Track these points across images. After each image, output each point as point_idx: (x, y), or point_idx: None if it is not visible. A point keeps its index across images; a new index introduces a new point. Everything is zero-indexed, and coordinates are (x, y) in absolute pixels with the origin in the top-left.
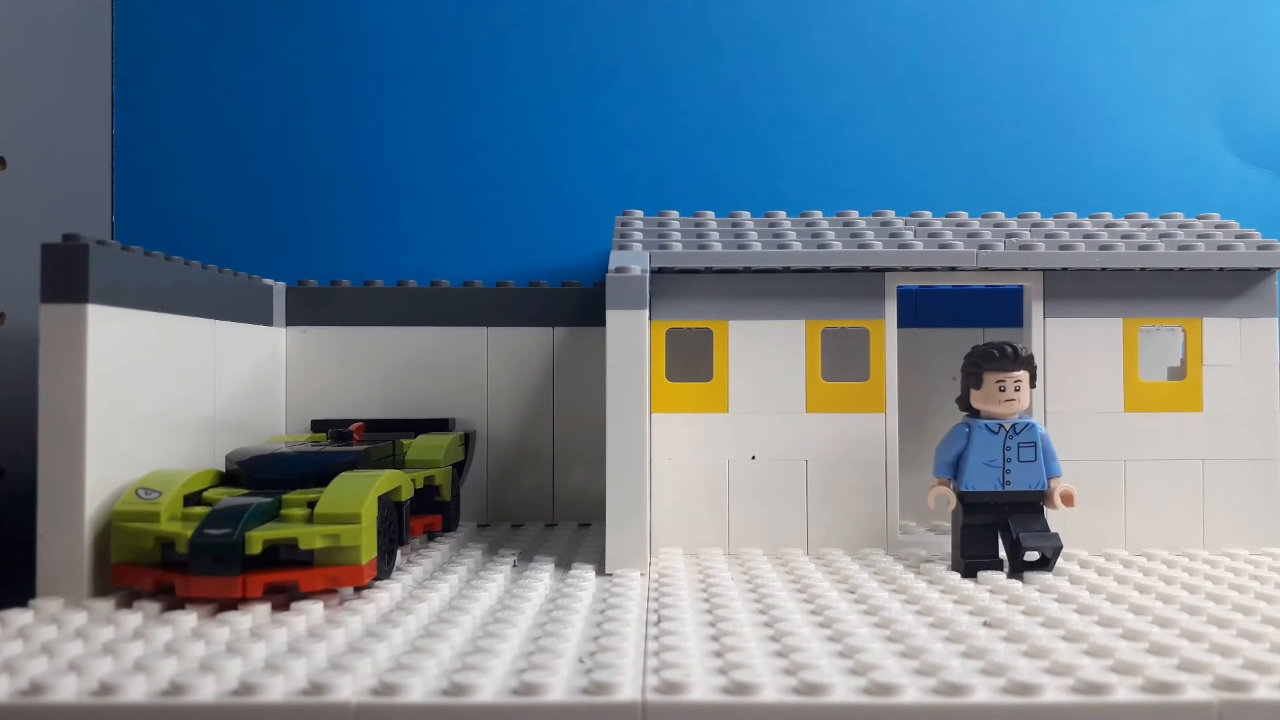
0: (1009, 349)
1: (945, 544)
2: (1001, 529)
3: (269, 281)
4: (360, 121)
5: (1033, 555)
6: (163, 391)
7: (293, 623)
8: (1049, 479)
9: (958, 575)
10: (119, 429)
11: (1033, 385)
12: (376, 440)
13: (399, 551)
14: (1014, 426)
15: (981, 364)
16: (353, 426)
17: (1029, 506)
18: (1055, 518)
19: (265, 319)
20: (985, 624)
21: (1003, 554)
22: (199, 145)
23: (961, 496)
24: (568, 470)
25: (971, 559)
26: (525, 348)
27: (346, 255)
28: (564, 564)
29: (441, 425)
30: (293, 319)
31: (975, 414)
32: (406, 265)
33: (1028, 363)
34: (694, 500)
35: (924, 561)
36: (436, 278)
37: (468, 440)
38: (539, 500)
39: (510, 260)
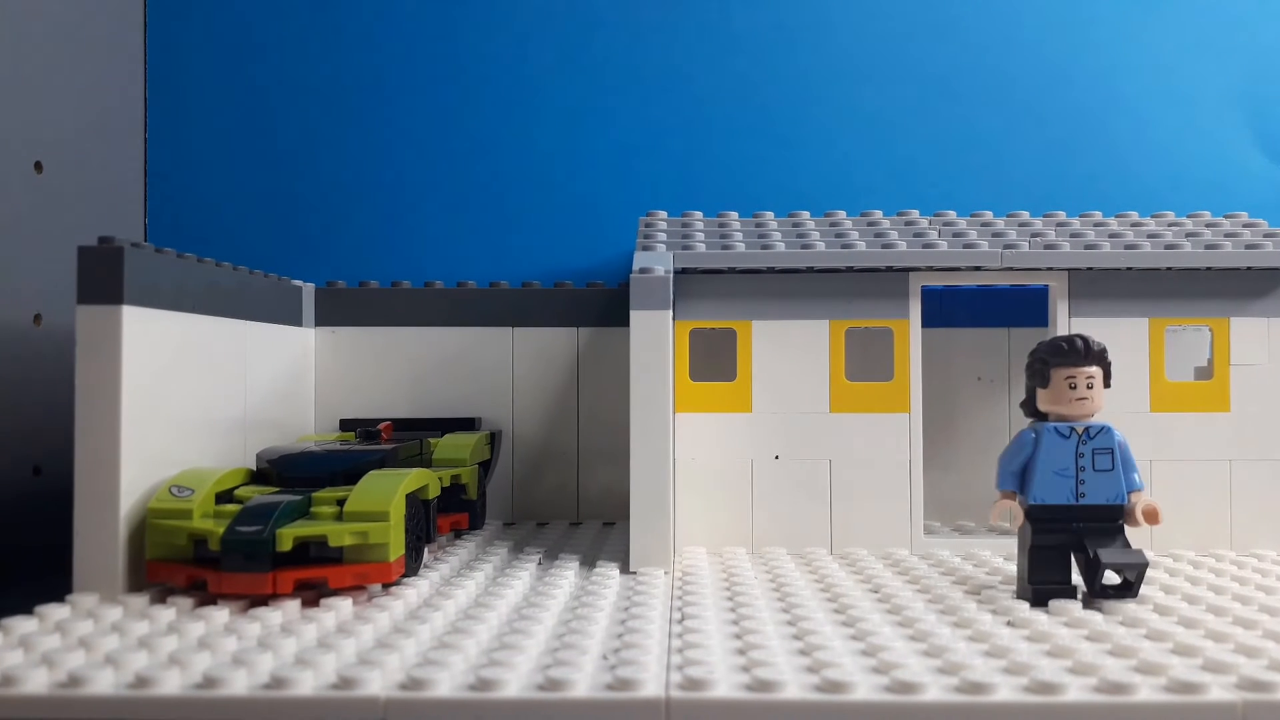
0: (1079, 341)
1: (969, 544)
2: (1075, 549)
3: (298, 283)
4: (388, 124)
5: (1113, 578)
6: (195, 391)
7: (322, 618)
8: (1129, 492)
9: (983, 574)
10: (153, 428)
11: (1107, 384)
12: (404, 439)
13: (426, 549)
14: (1088, 430)
15: (1049, 359)
16: (381, 425)
17: (1106, 524)
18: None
19: (295, 320)
20: (1009, 623)
21: (1077, 578)
22: (230, 149)
23: (1028, 511)
24: (592, 469)
25: (1041, 584)
26: (550, 348)
27: (374, 257)
28: (589, 562)
29: (468, 424)
30: (321, 320)
31: (1042, 418)
32: (433, 266)
33: (1100, 357)
34: (718, 499)
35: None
36: (463, 279)
37: (493, 439)
38: (564, 499)
39: (535, 261)
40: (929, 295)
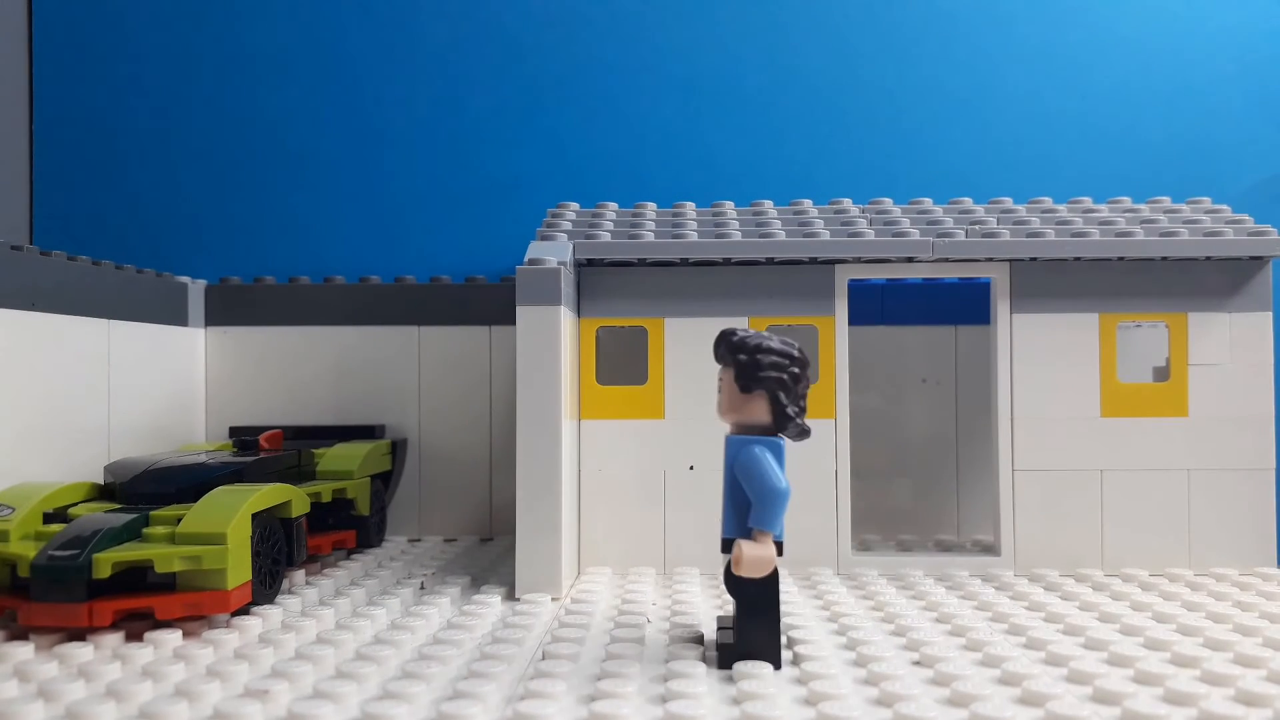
0: (721, 335)
1: (903, 563)
2: None
3: (183, 279)
4: (289, 111)
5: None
6: (38, 396)
7: (134, 657)
8: (753, 530)
9: (904, 599)
10: None
11: (749, 389)
12: (281, 451)
13: (301, 572)
14: (729, 441)
15: None
16: (265, 434)
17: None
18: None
19: (179, 319)
20: (916, 662)
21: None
22: (119, 146)
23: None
24: (506, 480)
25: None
26: (460, 348)
27: (270, 251)
28: (475, 586)
29: (368, 433)
30: (213, 319)
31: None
32: (334, 261)
33: (733, 355)
34: (627, 515)
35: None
36: (366, 274)
37: (395, 448)
38: (475, 513)
39: (445, 256)
40: (870, 291)
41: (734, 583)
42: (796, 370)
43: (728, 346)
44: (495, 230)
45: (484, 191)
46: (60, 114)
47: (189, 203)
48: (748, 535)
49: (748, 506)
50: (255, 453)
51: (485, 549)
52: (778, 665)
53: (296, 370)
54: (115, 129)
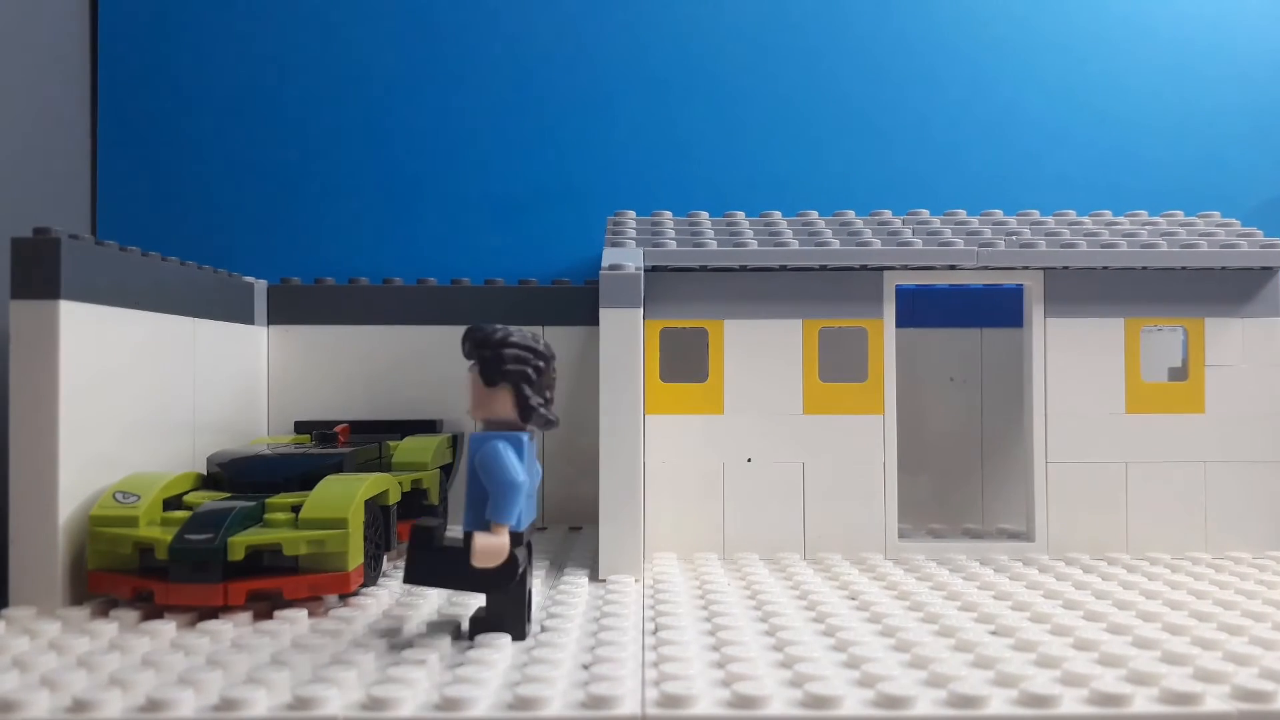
0: (466, 332)
1: (943, 548)
2: None
3: (249, 279)
4: (347, 119)
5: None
6: (140, 391)
7: (277, 632)
8: (491, 524)
9: (960, 579)
10: (93, 430)
11: (493, 382)
12: (363, 442)
13: (385, 557)
14: (472, 440)
15: None
16: (338, 428)
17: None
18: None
19: (246, 317)
20: (993, 632)
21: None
22: (182, 143)
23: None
24: (557, 472)
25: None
26: None
27: (331, 253)
28: (555, 569)
29: (428, 426)
30: (275, 317)
31: None
32: (392, 263)
33: (477, 350)
34: (689, 504)
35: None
36: (423, 276)
37: (455, 442)
38: None
39: (498, 259)
40: (900, 295)
41: (478, 569)
42: (540, 364)
43: (473, 343)
44: (545, 237)
45: (534, 200)
46: (122, 116)
47: (247, 206)
48: (486, 528)
49: (485, 501)
50: (335, 445)
51: (543, 537)
52: (520, 636)
53: (355, 367)
54: (177, 131)
